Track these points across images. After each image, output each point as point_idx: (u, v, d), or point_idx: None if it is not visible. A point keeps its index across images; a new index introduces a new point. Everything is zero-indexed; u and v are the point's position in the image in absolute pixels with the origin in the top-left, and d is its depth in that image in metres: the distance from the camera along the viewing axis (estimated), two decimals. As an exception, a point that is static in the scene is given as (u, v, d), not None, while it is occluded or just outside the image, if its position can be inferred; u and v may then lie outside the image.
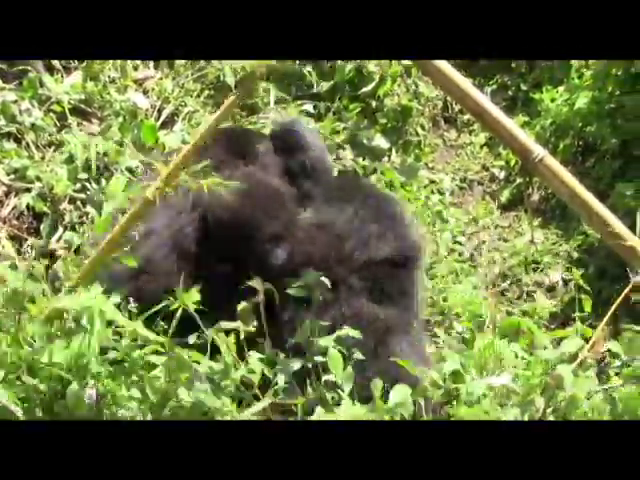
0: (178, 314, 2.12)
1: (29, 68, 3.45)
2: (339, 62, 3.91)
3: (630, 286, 2.20)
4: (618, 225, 2.44)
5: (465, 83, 2.75)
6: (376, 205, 2.58)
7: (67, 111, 3.43)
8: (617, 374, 2.12)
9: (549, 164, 2.53)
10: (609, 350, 2.14)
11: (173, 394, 2.05)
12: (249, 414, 2.06)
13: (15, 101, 3.36)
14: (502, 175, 4.18)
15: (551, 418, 1.97)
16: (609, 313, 2.15)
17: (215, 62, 3.78)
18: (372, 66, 3.95)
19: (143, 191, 2.06)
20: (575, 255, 3.61)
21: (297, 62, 2.03)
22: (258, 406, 2.08)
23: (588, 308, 2.47)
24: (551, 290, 3.50)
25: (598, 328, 2.14)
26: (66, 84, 3.55)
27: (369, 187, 2.85)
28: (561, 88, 4.19)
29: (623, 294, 2.18)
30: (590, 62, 4.14)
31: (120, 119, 3.46)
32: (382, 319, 2.37)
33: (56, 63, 3.66)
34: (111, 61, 3.61)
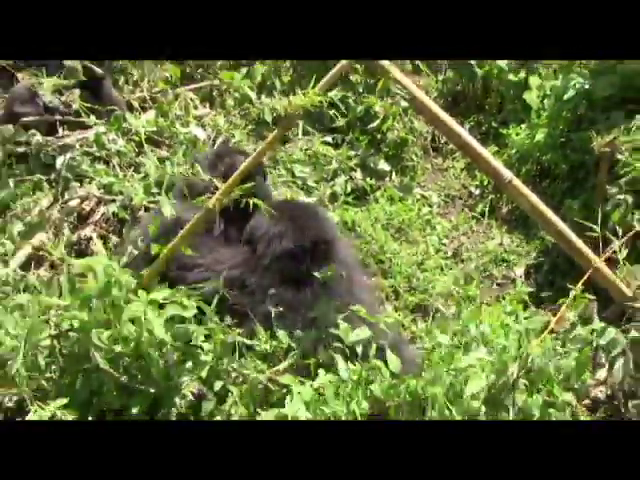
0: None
1: (116, 108, 3.51)
2: (352, 104, 3.96)
3: (590, 270, 2.21)
4: (567, 231, 2.48)
5: (450, 120, 2.78)
6: (292, 214, 2.40)
7: (143, 140, 3.47)
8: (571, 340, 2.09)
9: (516, 185, 2.56)
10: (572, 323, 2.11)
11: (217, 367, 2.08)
12: (274, 371, 2.07)
13: (105, 132, 3.42)
14: (478, 192, 4.18)
15: (522, 381, 1.91)
16: (573, 293, 2.14)
17: (257, 103, 3.83)
18: (378, 107, 3.99)
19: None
20: (534, 255, 3.64)
21: (324, 105, 2.02)
22: (282, 365, 2.08)
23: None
24: (514, 282, 3.51)
25: (564, 305, 2.12)
26: (143, 119, 3.59)
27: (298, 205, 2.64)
28: (523, 125, 4.20)
29: (586, 276, 2.20)
30: (546, 105, 4.16)
31: (183, 147, 3.51)
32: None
33: (135, 104, 3.71)
34: (177, 101, 3.66)
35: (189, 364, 2.06)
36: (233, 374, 2.07)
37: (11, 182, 3.21)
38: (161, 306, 2.08)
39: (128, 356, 2.02)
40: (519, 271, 3.51)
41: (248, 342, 2.12)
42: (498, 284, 3.49)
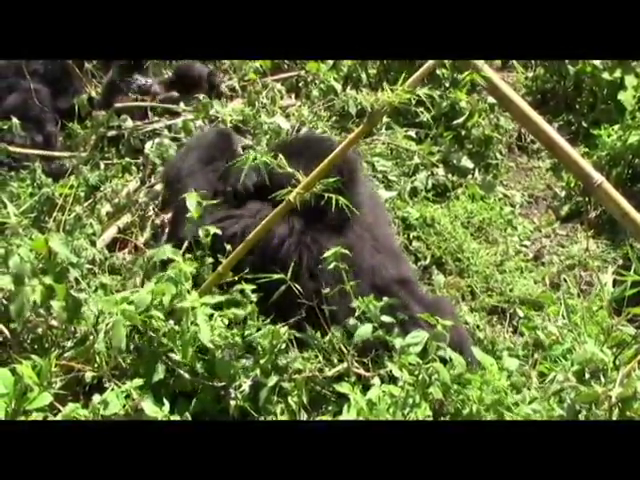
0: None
1: (203, 95, 3.55)
2: (438, 99, 3.86)
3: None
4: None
5: (539, 119, 2.68)
6: None
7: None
8: None
9: (606, 188, 2.45)
10: None
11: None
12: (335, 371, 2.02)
13: (192, 119, 3.46)
14: (563, 194, 4.01)
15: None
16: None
17: (342, 95, 3.79)
18: (464, 103, 3.88)
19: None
20: (621, 262, 3.45)
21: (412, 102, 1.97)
22: (341, 366, 2.02)
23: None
24: (597, 290, 3.33)
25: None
26: (229, 107, 3.62)
27: None
28: (616, 126, 4.00)
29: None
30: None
31: (267, 136, 3.51)
32: None
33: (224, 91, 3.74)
34: (265, 91, 3.67)
35: (246, 360, 2.03)
36: (289, 370, 2.02)
37: (102, 164, 3.30)
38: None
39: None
40: (604, 278, 3.33)
41: (301, 336, 2.08)
42: (581, 290, 3.34)
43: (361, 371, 1.97)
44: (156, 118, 3.56)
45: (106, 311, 1.89)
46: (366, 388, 1.94)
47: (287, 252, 2.22)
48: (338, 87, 3.85)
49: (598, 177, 2.47)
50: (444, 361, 1.91)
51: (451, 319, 2.07)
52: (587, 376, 1.70)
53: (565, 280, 3.34)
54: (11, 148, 3.19)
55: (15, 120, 3.06)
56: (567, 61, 4.40)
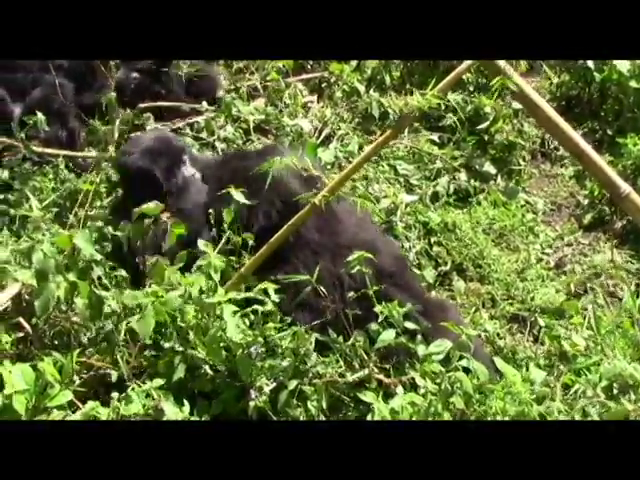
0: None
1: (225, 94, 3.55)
2: (462, 103, 3.84)
3: None
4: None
5: (566, 126, 2.66)
6: None
7: (251, 128, 3.50)
8: None
9: (633, 198, 2.43)
10: None
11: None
12: (356, 377, 2.01)
13: (213, 118, 3.47)
14: (586, 202, 3.95)
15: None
16: None
17: (365, 97, 3.77)
18: (488, 108, 3.86)
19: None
20: (644, 273, 3.41)
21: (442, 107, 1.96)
22: (362, 372, 2.02)
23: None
24: (621, 300, 3.29)
25: None
26: (251, 107, 3.62)
27: None
28: (643, 135, 3.97)
29: None
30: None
31: (289, 137, 3.51)
32: None
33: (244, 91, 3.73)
34: (287, 91, 3.67)
35: (270, 361, 2.02)
36: (309, 374, 2.02)
37: (124, 161, 3.29)
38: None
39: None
40: (628, 289, 3.27)
41: (324, 339, 2.07)
42: (605, 303, 3.29)
43: (382, 377, 1.96)
44: (178, 119, 3.57)
45: (130, 305, 1.90)
46: (387, 395, 1.93)
47: None
48: (362, 89, 3.84)
49: (625, 187, 2.46)
50: (466, 370, 1.89)
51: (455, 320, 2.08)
52: (615, 392, 1.67)
53: (592, 289, 3.30)
54: (34, 148, 3.21)
55: (40, 115, 3.07)
56: (593, 68, 4.34)
